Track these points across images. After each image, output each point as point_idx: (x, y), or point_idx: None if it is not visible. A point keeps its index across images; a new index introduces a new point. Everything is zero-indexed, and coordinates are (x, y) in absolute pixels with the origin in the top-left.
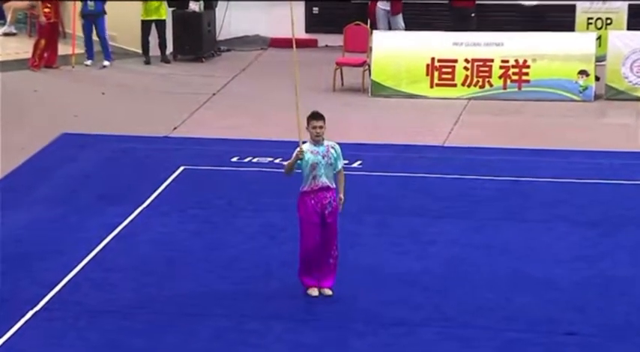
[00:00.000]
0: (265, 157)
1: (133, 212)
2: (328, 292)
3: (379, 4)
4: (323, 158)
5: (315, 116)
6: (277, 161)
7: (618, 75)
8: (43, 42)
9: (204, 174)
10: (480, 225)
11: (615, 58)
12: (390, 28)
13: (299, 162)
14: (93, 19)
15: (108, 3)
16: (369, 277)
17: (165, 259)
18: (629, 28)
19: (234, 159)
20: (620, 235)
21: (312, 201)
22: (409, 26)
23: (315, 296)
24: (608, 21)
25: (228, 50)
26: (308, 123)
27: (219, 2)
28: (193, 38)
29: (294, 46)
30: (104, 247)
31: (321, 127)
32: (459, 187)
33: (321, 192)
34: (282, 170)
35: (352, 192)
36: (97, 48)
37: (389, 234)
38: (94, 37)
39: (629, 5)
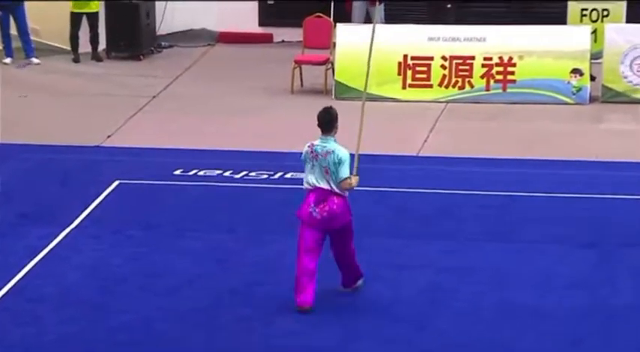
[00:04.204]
0: (213, 170)
1: (59, 233)
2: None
3: None
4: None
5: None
6: (227, 174)
7: (616, 74)
8: None
9: (143, 189)
10: (460, 246)
11: (613, 55)
12: (366, 21)
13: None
14: (10, 9)
15: None
16: (334, 305)
17: (98, 288)
18: (628, 21)
19: (178, 172)
20: (621, 257)
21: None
22: None
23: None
24: (605, 12)
25: (170, 46)
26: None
27: None
28: (130, 33)
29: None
30: (27, 274)
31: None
32: (436, 203)
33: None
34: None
35: None
36: (15, 43)
37: (357, 257)
38: (13, 31)
39: None
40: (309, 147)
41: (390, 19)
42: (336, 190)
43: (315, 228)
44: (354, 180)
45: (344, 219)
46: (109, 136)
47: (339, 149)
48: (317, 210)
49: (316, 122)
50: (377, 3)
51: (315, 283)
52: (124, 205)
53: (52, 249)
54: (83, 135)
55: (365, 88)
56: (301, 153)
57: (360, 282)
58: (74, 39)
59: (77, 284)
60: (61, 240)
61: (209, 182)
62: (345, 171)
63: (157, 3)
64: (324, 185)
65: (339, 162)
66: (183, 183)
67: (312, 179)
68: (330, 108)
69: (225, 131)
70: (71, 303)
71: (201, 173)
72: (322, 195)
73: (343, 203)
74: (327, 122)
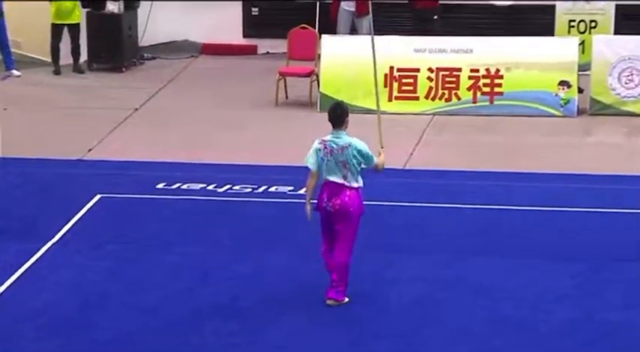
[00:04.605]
0: (197, 183)
1: (39, 249)
2: (328, 301)
3: (343, 4)
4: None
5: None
6: (210, 188)
7: (604, 86)
8: None
9: (125, 203)
10: (448, 260)
11: (601, 67)
12: (352, 32)
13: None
14: None
15: (8, 3)
16: (321, 320)
17: (78, 304)
18: (616, 32)
19: (161, 186)
20: (609, 271)
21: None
22: None
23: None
24: (593, 24)
25: (152, 58)
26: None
27: (141, 2)
28: (111, 44)
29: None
30: (4, 291)
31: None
32: (422, 217)
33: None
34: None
35: (299, 223)
36: None
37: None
38: None
39: (617, 5)
40: (320, 143)
41: (376, 30)
42: (350, 184)
43: (330, 222)
44: (382, 157)
45: (356, 212)
46: (90, 149)
47: (355, 141)
48: (330, 204)
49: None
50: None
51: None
52: (105, 220)
53: (32, 265)
54: (64, 149)
55: (377, 103)
56: (318, 151)
57: (345, 300)
58: (55, 51)
59: (58, 300)
60: (42, 255)
61: (192, 196)
62: (372, 157)
63: (139, 14)
64: (337, 179)
65: (360, 153)
66: (166, 197)
67: (325, 174)
68: (342, 102)
69: (209, 144)
70: (52, 319)
71: (185, 186)
72: (335, 188)
73: (356, 196)
74: (338, 117)
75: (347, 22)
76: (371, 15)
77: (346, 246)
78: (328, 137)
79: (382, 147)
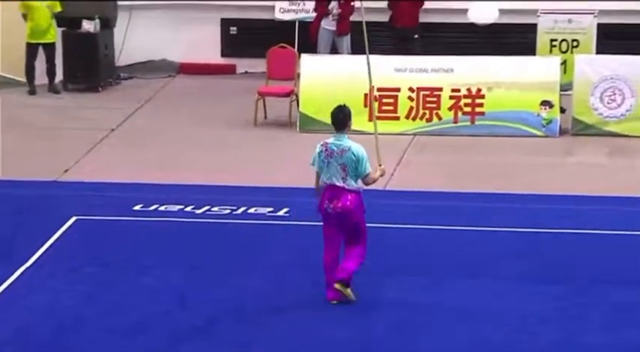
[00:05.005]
0: (174, 205)
1: (13, 273)
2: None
3: (323, 23)
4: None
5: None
6: (188, 209)
7: (587, 106)
8: None
9: (101, 225)
10: (430, 282)
11: (583, 87)
12: (332, 52)
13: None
14: None
15: None
16: (295, 344)
17: (53, 329)
18: (598, 52)
19: (138, 208)
20: (591, 294)
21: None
22: None
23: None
24: (575, 43)
25: (129, 78)
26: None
27: (118, 21)
28: (87, 64)
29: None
30: None
31: None
32: (404, 238)
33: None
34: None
35: (279, 246)
36: None
37: (321, 295)
38: None
39: (599, 25)
40: (322, 146)
41: (356, 50)
42: (350, 187)
43: (331, 224)
44: (379, 171)
45: (357, 213)
46: (66, 171)
47: (355, 146)
48: (331, 206)
49: (330, 120)
50: (347, 32)
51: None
52: (81, 242)
53: (5, 289)
54: (39, 170)
55: (374, 124)
56: (320, 154)
57: (349, 291)
58: (30, 70)
59: (33, 325)
60: (14, 280)
61: (170, 217)
62: (366, 167)
63: (115, 33)
64: (338, 182)
65: (357, 160)
66: (143, 219)
67: (326, 176)
68: (344, 106)
69: (187, 165)
70: (27, 344)
71: (162, 208)
72: (336, 192)
73: (357, 199)
74: (341, 120)
75: (327, 42)
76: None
77: (362, 251)
78: (330, 140)
79: (380, 165)
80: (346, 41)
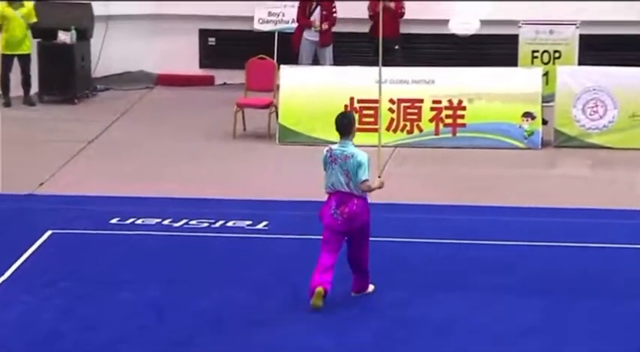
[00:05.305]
0: (152, 218)
1: None
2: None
3: (305, 34)
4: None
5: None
6: (166, 223)
7: (569, 117)
8: None
9: (77, 239)
10: (410, 295)
11: (565, 98)
12: (313, 63)
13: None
14: None
15: None
16: None
17: (27, 345)
18: (580, 63)
19: (114, 221)
20: (574, 307)
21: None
22: None
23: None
24: (557, 54)
25: (106, 89)
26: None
27: (95, 32)
28: (63, 75)
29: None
30: None
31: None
32: (384, 252)
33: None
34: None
35: (258, 259)
36: None
37: (301, 309)
38: None
39: (581, 36)
40: (327, 151)
41: (337, 60)
42: (356, 192)
43: (335, 230)
44: (377, 182)
45: (364, 218)
46: (41, 184)
47: (359, 152)
48: (338, 212)
49: (334, 127)
50: (330, 43)
51: (332, 274)
52: (57, 256)
53: None
54: (14, 183)
55: (379, 136)
56: (325, 159)
57: (371, 288)
58: (5, 82)
59: (7, 340)
60: None
61: (147, 231)
62: (364, 174)
63: (92, 44)
64: (343, 188)
65: (358, 165)
66: (120, 233)
67: (331, 182)
68: (349, 112)
69: (165, 177)
70: None
71: (139, 222)
72: (343, 197)
73: (363, 204)
74: (345, 126)
75: (310, 53)
76: (332, 46)
77: (366, 257)
78: (335, 146)
79: (379, 177)
80: (329, 52)
